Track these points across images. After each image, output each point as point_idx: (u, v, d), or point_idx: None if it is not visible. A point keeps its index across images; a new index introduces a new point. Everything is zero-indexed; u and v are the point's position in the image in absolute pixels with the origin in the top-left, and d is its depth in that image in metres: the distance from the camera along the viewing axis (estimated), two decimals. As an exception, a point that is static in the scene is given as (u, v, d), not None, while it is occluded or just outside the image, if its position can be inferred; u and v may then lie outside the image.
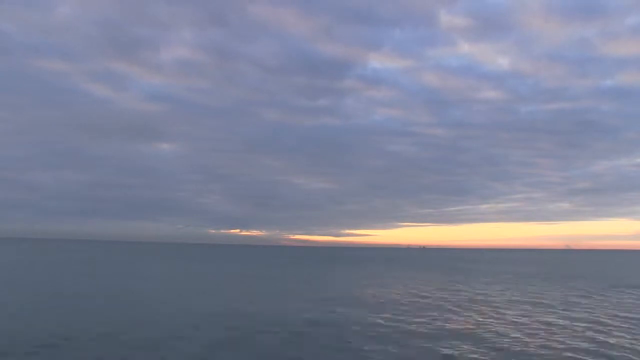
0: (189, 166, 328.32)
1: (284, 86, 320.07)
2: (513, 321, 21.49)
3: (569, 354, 15.31)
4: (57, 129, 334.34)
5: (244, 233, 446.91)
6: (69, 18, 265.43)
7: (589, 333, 18.79)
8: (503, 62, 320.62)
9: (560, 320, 21.96)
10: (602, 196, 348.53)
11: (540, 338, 17.79)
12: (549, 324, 21.03)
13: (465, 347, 16.14)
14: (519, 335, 18.17)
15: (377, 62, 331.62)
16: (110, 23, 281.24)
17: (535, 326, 20.33)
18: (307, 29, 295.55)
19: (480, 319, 21.97)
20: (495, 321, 21.41)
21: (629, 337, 18.17)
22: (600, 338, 17.83)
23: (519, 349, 16.00)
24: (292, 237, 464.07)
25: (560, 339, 17.54)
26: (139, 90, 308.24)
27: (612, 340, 17.43)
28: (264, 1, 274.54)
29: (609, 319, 22.58)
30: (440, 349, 15.81)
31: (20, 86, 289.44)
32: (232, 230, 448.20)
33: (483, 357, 14.84)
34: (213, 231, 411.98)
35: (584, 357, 14.95)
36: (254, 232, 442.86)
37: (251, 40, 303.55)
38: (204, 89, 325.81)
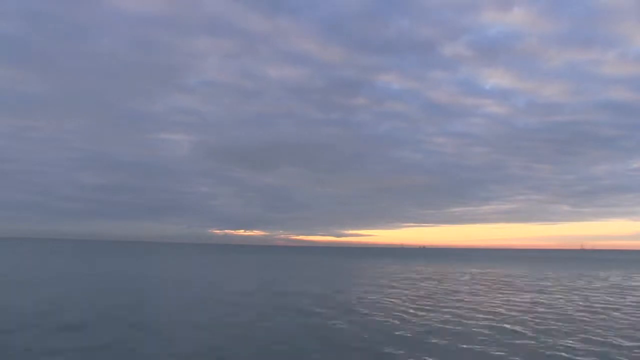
0: (200, 169, 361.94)
1: (302, 102, 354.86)
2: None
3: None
4: (85, 136, 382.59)
5: (247, 233, 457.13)
6: (111, 46, 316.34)
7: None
8: (502, 82, 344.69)
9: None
10: (600, 198, 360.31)
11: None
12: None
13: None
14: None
15: (386, 82, 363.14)
16: (146, 51, 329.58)
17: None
18: (327, 56, 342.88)
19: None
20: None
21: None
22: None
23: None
24: (293, 237, 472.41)
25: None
26: (166, 105, 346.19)
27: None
28: (293, 33, 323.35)
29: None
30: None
31: (62, 101, 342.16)
32: (236, 231, 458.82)
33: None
34: (218, 231, 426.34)
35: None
36: (257, 232, 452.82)
37: (277, 65, 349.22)
38: (226, 103, 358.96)
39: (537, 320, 18.87)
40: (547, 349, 13.84)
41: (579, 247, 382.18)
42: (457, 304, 23.57)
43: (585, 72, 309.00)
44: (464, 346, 14.09)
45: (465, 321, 18.38)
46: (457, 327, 17.09)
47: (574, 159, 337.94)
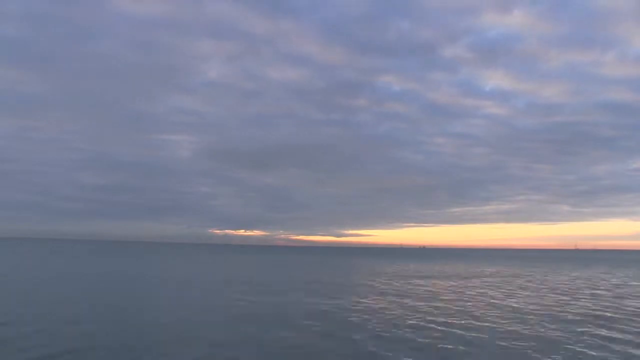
0: (200, 169, 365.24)
1: (302, 103, 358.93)
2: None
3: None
4: (85, 136, 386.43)
5: (247, 233, 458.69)
6: (112, 47, 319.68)
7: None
8: (502, 83, 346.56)
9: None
10: (600, 198, 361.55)
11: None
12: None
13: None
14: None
15: (386, 83, 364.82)
16: (147, 52, 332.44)
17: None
18: (328, 58, 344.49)
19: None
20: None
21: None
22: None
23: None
24: (293, 237, 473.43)
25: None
26: (167, 105, 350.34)
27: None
28: (294, 35, 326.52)
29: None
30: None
31: (62, 101, 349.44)
32: (237, 231, 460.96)
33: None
34: (218, 231, 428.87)
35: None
36: (257, 232, 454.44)
37: (278, 67, 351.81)
38: (227, 103, 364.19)
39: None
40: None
41: (573, 247, 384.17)
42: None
43: (585, 73, 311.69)
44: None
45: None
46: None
47: (574, 159, 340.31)
